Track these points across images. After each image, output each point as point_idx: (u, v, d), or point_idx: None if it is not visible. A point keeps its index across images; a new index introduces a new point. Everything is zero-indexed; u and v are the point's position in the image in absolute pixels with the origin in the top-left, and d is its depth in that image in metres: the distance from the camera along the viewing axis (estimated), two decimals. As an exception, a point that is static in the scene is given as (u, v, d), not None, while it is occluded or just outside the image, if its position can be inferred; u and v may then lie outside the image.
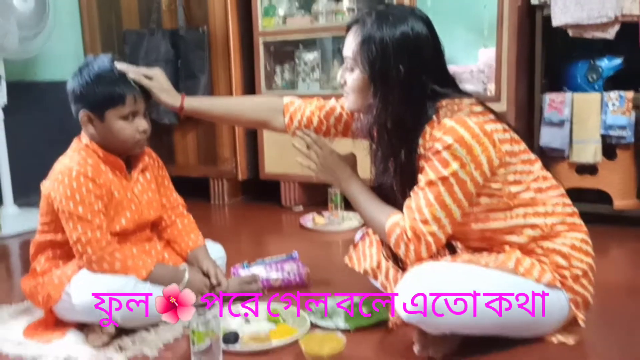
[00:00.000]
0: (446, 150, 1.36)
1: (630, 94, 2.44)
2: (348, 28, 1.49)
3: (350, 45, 1.45)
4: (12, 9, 2.81)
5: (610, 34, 2.44)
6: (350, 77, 1.48)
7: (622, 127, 2.45)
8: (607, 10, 2.40)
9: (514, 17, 2.52)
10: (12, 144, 3.08)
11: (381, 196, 1.56)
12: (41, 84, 3.45)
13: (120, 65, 1.63)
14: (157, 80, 1.67)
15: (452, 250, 1.57)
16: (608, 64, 2.54)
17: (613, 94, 2.46)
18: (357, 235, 1.88)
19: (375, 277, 1.73)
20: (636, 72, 2.52)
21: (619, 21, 2.41)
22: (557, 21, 2.50)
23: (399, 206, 1.49)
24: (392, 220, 1.45)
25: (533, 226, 1.43)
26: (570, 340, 1.49)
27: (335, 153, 1.59)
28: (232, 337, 1.51)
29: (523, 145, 1.46)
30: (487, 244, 1.49)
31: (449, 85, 1.47)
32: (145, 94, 1.66)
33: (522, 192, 1.43)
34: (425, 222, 1.39)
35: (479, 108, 1.43)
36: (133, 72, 1.63)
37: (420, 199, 1.40)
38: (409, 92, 1.41)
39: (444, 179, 1.37)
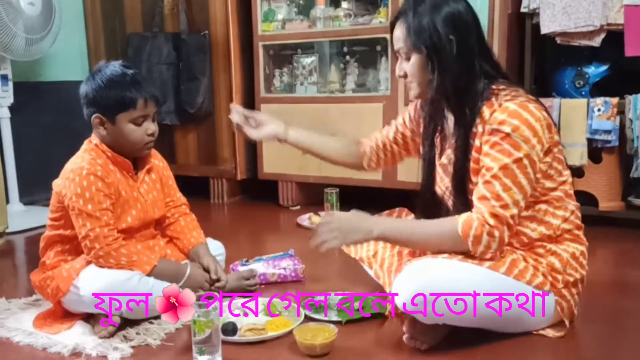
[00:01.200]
0: (515, 133, 1.39)
1: (615, 100, 2.52)
2: (392, 26, 1.55)
3: (400, 37, 1.51)
4: (20, 12, 2.89)
5: (597, 41, 2.53)
6: (408, 65, 1.52)
7: (607, 132, 2.53)
8: (593, 19, 2.48)
9: (504, 24, 2.60)
10: (17, 143, 3.15)
11: (425, 203, 1.64)
12: (46, 85, 3.53)
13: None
14: (264, 125, 1.81)
15: None
16: (594, 70, 2.62)
17: (599, 100, 2.54)
18: None
19: (370, 266, 1.80)
20: (621, 78, 2.60)
21: (605, 29, 2.50)
22: (545, 29, 2.59)
23: (442, 211, 1.56)
24: (462, 219, 1.44)
25: (548, 225, 1.51)
26: (554, 333, 1.56)
27: (343, 214, 1.56)
28: (230, 328, 1.58)
29: (562, 148, 1.53)
30: None
31: (498, 69, 1.53)
32: (156, 99, 1.74)
33: (553, 189, 1.50)
34: (505, 206, 1.40)
35: (533, 97, 1.50)
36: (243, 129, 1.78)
37: (495, 186, 1.41)
38: (463, 61, 1.46)
39: (517, 161, 1.39)
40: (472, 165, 1.49)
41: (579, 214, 1.57)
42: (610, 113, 2.52)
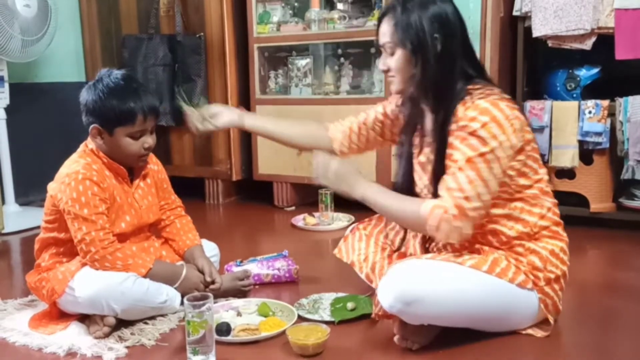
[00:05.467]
0: (483, 129, 1.42)
1: (605, 102, 2.55)
2: (379, 21, 1.58)
3: (386, 31, 1.54)
4: (16, 14, 2.90)
5: (588, 45, 2.56)
6: (392, 60, 1.55)
7: (598, 134, 2.56)
8: (584, 22, 2.51)
9: (497, 27, 2.63)
10: (13, 144, 3.15)
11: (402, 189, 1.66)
12: (42, 86, 3.54)
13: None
14: (219, 115, 1.85)
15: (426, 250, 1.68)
16: (586, 73, 2.65)
17: (590, 102, 2.57)
18: (348, 230, 1.99)
19: (361, 270, 1.83)
20: (612, 81, 2.63)
21: (596, 33, 2.53)
22: (537, 32, 2.61)
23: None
24: (429, 204, 1.46)
25: (524, 223, 1.53)
26: (540, 333, 1.58)
27: (344, 165, 1.60)
28: (224, 328, 1.60)
29: (536, 145, 1.56)
30: (482, 235, 1.56)
31: (479, 71, 1.57)
32: (156, 113, 1.75)
33: (527, 187, 1.52)
34: (467, 198, 1.42)
35: (507, 96, 1.53)
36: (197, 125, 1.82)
37: (460, 178, 1.44)
38: (445, 60, 1.50)
39: (482, 155, 1.42)
40: (447, 162, 1.51)
41: (557, 211, 1.59)
42: (601, 115, 2.55)
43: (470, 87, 1.51)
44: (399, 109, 1.76)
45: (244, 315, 1.74)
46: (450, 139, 1.49)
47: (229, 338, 1.58)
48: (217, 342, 1.50)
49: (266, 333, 1.61)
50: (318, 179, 1.61)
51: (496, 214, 1.53)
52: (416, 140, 1.67)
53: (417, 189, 1.67)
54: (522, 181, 1.52)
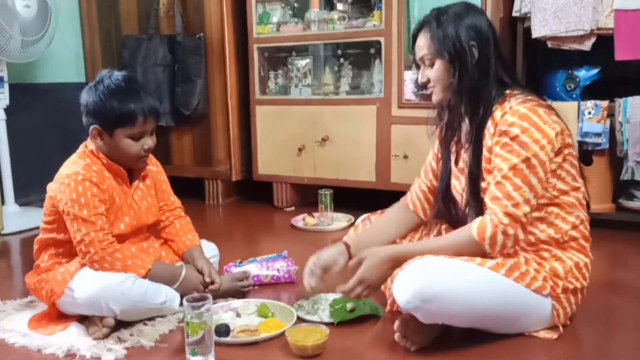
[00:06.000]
0: (524, 134, 1.46)
1: (605, 103, 2.55)
2: (415, 35, 1.64)
3: (424, 44, 1.60)
4: (16, 15, 2.90)
5: (587, 45, 2.56)
6: (431, 71, 1.61)
7: (598, 135, 2.56)
8: (583, 23, 2.51)
9: (496, 28, 2.62)
10: (13, 144, 3.16)
11: (445, 198, 1.72)
12: (42, 86, 3.55)
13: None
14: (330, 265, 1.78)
15: None
16: (585, 74, 2.65)
17: (589, 103, 2.57)
18: (359, 220, 1.99)
19: None
20: (611, 82, 2.63)
21: (595, 34, 2.53)
22: (536, 33, 2.61)
23: (456, 212, 1.63)
24: (476, 225, 1.49)
25: (557, 228, 1.54)
26: (547, 335, 1.58)
27: (367, 271, 1.57)
28: (223, 329, 1.60)
29: (575, 153, 1.58)
30: None
31: (513, 79, 1.62)
32: (156, 114, 1.74)
33: (564, 193, 1.54)
34: (516, 205, 1.46)
35: (545, 103, 1.57)
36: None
37: (506, 186, 1.47)
38: (481, 67, 1.55)
39: (526, 161, 1.46)
40: (484, 164, 1.55)
41: (588, 227, 1.61)
42: (600, 116, 2.55)
43: (508, 91, 1.56)
44: (439, 117, 1.76)
45: (243, 316, 1.74)
46: (489, 142, 1.53)
47: (228, 339, 1.58)
48: (217, 344, 1.50)
49: (265, 334, 1.61)
50: (364, 296, 1.59)
51: (532, 217, 1.54)
52: (454, 148, 1.72)
53: (456, 194, 1.70)
54: (560, 185, 1.54)
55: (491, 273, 1.48)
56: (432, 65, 1.60)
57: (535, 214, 1.53)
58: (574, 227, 1.56)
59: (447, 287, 1.44)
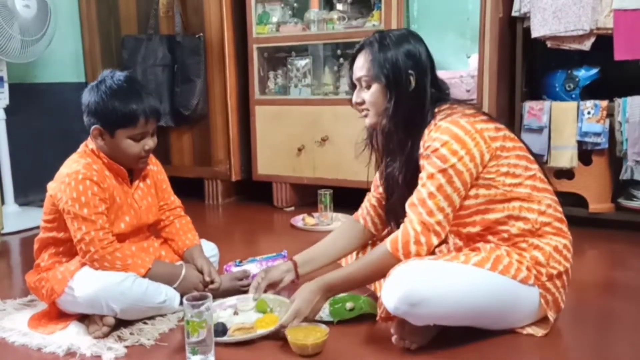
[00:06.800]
0: (443, 147, 1.50)
1: (604, 103, 2.55)
2: (354, 56, 1.66)
3: (363, 65, 1.63)
4: (16, 15, 2.90)
5: (586, 45, 2.56)
6: (367, 93, 1.64)
7: (597, 134, 2.56)
8: (582, 23, 2.52)
9: (496, 28, 2.64)
10: (12, 144, 3.16)
11: (391, 210, 1.75)
12: (41, 86, 3.54)
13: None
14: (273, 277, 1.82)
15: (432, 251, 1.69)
16: (585, 74, 2.66)
17: (589, 103, 2.58)
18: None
19: None
20: (611, 81, 2.64)
21: (594, 33, 2.53)
22: (536, 33, 2.62)
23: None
24: (389, 240, 1.55)
25: (525, 220, 1.55)
26: (539, 332, 1.59)
27: (298, 308, 1.60)
28: (220, 329, 1.59)
29: (519, 144, 1.60)
30: (481, 236, 1.59)
31: (444, 92, 1.66)
32: (157, 115, 1.75)
33: (518, 185, 1.55)
34: (430, 213, 1.51)
35: (471, 111, 1.59)
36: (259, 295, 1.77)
37: (422, 193, 1.52)
38: (417, 95, 1.59)
39: (443, 171, 1.50)
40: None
41: (559, 208, 1.62)
42: (600, 116, 2.55)
43: (436, 110, 1.60)
44: (370, 140, 1.79)
45: (241, 313, 1.74)
46: (422, 162, 1.56)
47: (224, 339, 1.58)
48: (214, 343, 1.50)
49: (262, 330, 1.60)
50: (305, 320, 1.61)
51: (496, 218, 1.55)
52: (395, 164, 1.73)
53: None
54: (509, 180, 1.55)
55: (476, 269, 1.49)
56: (368, 87, 1.62)
57: (499, 215, 1.55)
58: (542, 213, 1.56)
59: (433, 289, 1.45)
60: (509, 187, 1.54)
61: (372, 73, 1.60)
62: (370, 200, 1.89)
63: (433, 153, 1.51)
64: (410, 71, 1.57)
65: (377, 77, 1.59)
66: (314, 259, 1.88)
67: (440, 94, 1.63)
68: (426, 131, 1.57)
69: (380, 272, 1.57)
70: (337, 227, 1.95)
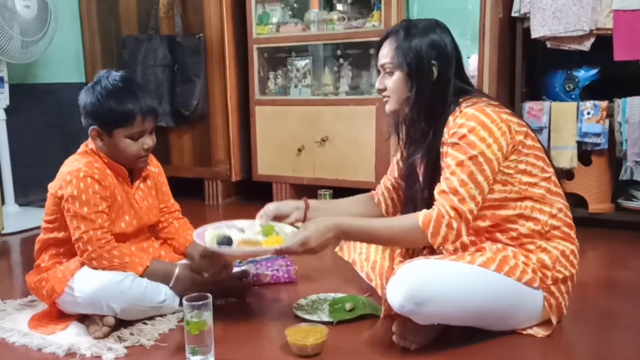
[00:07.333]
0: (471, 133, 1.48)
1: (604, 103, 2.55)
2: (381, 42, 1.66)
3: (388, 53, 1.62)
4: (16, 15, 2.91)
5: (586, 46, 2.57)
6: (390, 80, 1.63)
7: (597, 135, 2.57)
8: (582, 23, 2.52)
9: (496, 28, 2.64)
10: (13, 144, 3.16)
11: (410, 201, 1.72)
12: (42, 86, 3.54)
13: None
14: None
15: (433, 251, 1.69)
16: (584, 74, 2.66)
17: (588, 103, 2.58)
18: None
19: (362, 269, 1.86)
20: (610, 82, 2.64)
21: (594, 34, 2.53)
22: (535, 33, 2.62)
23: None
24: (423, 213, 1.50)
25: (536, 221, 1.55)
26: (541, 333, 1.59)
27: (309, 235, 1.54)
28: (225, 241, 1.58)
29: (539, 145, 1.60)
30: (490, 232, 1.59)
31: (468, 85, 1.65)
32: (155, 114, 1.74)
33: (533, 185, 1.55)
34: (462, 200, 1.48)
35: (495, 102, 1.59)
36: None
37: (453, 182, 1.49)
38: (439, 86, 1.58)
39: (473, 158, 1.48)
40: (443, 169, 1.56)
41: (569, 214, 1.61)
42: (599, 116, 2.56)
43: (461, 100, 1.58)
44: (395, 128, 1.77)
45: (247, 232, 1.70)
46: (444, 149, 1.55)
47: (231, 249, 1.57)
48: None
49: (267, 246, 1.58)
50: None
51: (507, 215, 1.55)
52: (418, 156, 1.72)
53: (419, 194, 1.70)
54: (526, 179, 1.54)
55: (482, 270, 1.49)
56: (391, 74, 1.62)
57: (510, 212, 1.54)
58: (552, 216, 1.56)
59: (439, 289, 1.45)
60: (524, 185, 1.54)
61: (396, 61, 1.60)
62: (385, 183, 1.89)
63: (461, 139, 1.49)
64: (433, 61, 1.57)
65: (400, 65, 1.59)
66: (326, 211, 1.82)
67: (464, 85, 1.62)
68: (451, 118, 1.55)
69: (401, 240, 1.57)
70: (358, 195, 1.93)
